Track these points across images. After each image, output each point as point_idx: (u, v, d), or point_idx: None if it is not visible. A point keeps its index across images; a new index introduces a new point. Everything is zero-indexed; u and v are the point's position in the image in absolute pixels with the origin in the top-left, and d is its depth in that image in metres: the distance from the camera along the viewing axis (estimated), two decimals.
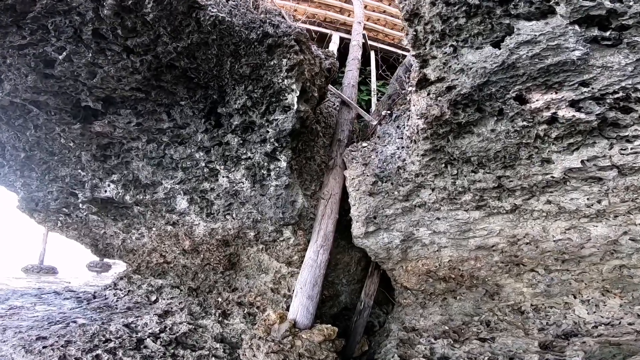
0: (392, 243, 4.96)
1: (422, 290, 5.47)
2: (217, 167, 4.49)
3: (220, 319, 4.94)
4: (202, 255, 5.14)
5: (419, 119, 3.54)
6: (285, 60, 4.03)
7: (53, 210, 6.72)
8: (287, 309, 4.90)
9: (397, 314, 5.75)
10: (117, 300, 6.52)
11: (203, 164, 4.40)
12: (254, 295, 5.20)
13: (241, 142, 4.47)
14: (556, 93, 2.92)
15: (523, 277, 4.64)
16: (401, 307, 5.72)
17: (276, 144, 4.40)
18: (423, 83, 3.18)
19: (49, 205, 6.61)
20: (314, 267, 4.71)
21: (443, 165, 3.93)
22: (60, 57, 3.47)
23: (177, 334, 4.40)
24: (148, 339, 4.16)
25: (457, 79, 2.96)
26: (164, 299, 6.51)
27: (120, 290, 7.11)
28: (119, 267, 14.92)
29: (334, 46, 8.62)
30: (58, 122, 4.17)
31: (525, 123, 3.18)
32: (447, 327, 5.11)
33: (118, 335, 4.11)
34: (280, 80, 4.18)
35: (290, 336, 4.40)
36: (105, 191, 5.23)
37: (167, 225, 5.43)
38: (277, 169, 4.45)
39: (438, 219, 4.59)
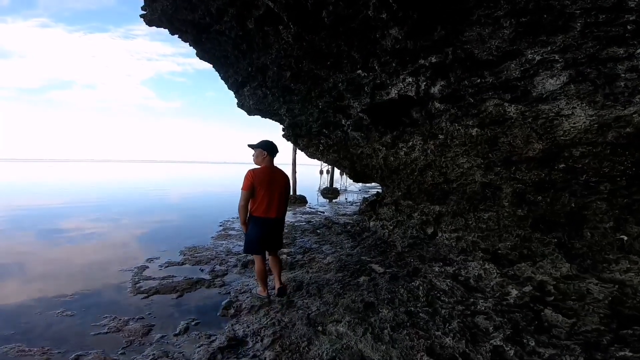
0: None
1: None
2: None
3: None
4: (562, 166, 3.13)
5: None
6: None
7: (314, 133, 6.44)
8: None
9: None
10: (388, 235, 5.74)
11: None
12: None
13: None
14: None
15: None
16: None
17: None
18: None
19: (311, 128, 6.30)
20: None
21: None
22: None
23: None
24: (517, 311, 2.56)
25: None
26: (444, 232, 5.20)
27: (386, 220, 6.40)
28: (344, 194, 15.84)
29: None
30: None
31: None
32: None
33: (460, 299, 2.77)
34: None
35: None
36: (391, 92, 3.93)
37: (473, 128, 3.67)
38: None
39: None
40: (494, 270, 3.35)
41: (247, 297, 3.65)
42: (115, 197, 14.52)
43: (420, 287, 3.24)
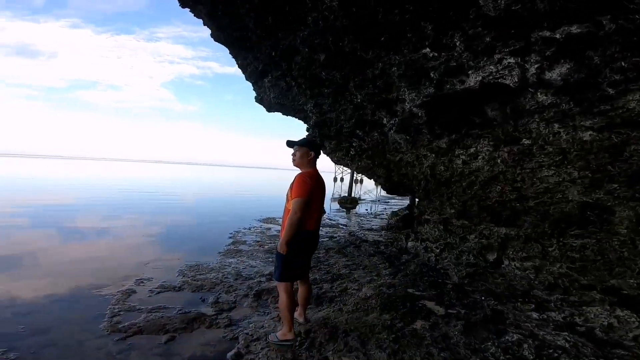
0: None
1: None
2: None
3: None
4: None
5: None
6: None
7: (346, 135, 5.44)
8: None
9: None
10: (436, 261, 4.65)
11: None
12: None
13: None
14: None
15: None
16: None
17: None
18: None
19: (342, 128, 5.30)
20: None
21: None
22: None
23: None
24: None
25: None
26: (512, 260, 4.13)
27: (431, 241, 5.31)
28: (363, 205, 14.73)
29: None
30: None
31: None
32: None
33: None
34: None
35: None
36: (470, 79, 2.94)
37: (586, 131, 2.62)
38: None
39: None
40: (633, 319, 2.28)
41: (264, 348, 2.64)
42: (121, 197, 13.84)
43: (524, 345, 2.18)
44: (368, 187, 20.88)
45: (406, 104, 3.77)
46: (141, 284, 3.75)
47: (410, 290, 3.83)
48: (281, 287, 2.62)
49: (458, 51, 2.83)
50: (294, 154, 2.71)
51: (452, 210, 4.72)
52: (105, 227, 7.25)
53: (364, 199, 17.97)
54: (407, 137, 4.49)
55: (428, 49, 3.01)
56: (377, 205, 16.20)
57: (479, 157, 4.07)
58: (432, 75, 3.17)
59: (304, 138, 2.81)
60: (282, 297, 2.61)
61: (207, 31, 4.93)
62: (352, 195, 17.16)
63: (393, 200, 18.53)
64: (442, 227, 4.92)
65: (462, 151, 4.16)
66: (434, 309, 3.34)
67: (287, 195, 2.64)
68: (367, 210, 13.26)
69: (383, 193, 21.18)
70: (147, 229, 7.15)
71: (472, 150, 4.06)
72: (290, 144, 2.75)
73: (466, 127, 3.79)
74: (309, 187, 2.51)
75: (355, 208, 13.96)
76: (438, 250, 4.78)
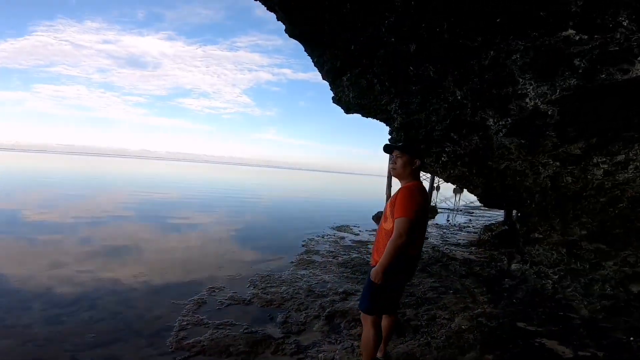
0: None
1: None
2: None
3: None
4: None
5: None
6: None
7: (437, 139, 4.67)
8: None
9: None
10: (553, 289, 3.65)
11: None
12: None
13: None
14: None
15: None
16: None
17: None
18: None
19: (433, 131, 4.56)
20: None
21: None
22: None
23: None
24: None
25: None
26: None
27: (546, 266, 4.27)
28: (441, 215, 13.36)
29: None
30: None
31: None
32: None
33: None
34: None
35: None
36: (637, 65, 2.10)
37: None
38: None
39: None
40: None
41: None
42: (211, 197, 15.01)
43: None
44: (445, 195, 19.03)
45: (528, 100, 2.93)
46: (212, 294, 3.60)
47: (520, 324, 3.08)
48: (368, 321, 2.18)
49: (623, 32, 2.00)
50: (393, 161, 2.16)
51: (583, 231, 3.65)
52: (192, 223, 7.81)
53: (441, 208, 16.37)
54: (522, 142, 3.59)
55: (572, 31, 2.20)
56: (456, 215, 14.59)
57: (630, 166, 3.01)
58: (576, 63, 2.35)
59: (406, 141, 2.27)
60: (368, 332, 2.18)
61: (279, 39, 4.78)
62: (431, 203, 15.79)
63: (478, 211, 16.52)
64: (564, 250, 3.89)
65: (603, 159, 3.14)
66: (557, 349, 2.65)
67: (384, 211, 2.13)
68: (448, 221, 11.94)
69: (463, 202, 19.04)
70: (227, 230, 7.43)
71: (619, 157, 3.02)
72: (388, 148, 2.22)
73: (613, 130, 2.80)
74: (419, 205, 1.99)
75: (434, 218, 12.73)
76: (557, 277, 3.79)
